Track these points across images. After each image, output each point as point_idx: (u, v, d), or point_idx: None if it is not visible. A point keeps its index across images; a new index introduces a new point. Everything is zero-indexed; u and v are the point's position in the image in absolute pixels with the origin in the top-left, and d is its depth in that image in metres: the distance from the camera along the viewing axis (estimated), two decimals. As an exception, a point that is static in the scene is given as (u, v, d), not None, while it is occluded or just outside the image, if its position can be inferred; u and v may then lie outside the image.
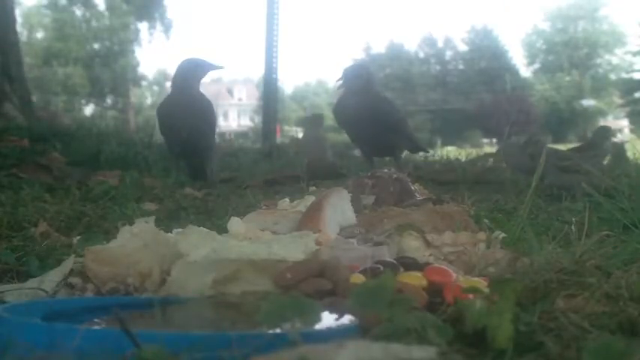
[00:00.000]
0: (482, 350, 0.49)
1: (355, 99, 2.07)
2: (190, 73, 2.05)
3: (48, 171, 2.18)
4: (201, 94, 2.09)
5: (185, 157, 2.13)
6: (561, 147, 2.63)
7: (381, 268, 0.68)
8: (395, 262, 0.72)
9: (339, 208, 1.00)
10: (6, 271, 0.87)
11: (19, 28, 5.97)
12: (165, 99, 2.21)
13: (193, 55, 2.10)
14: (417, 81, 31.39)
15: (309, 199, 1.10)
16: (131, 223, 0.78)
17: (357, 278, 0.65)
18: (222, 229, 0.88)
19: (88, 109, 25.30)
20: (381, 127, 2.06)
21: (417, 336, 0.48)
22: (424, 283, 0.64)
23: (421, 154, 2.80)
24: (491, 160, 2.92)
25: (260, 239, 0.81)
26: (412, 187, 1.33)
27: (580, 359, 0.46)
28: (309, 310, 0.48)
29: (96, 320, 0.56)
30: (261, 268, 0.67)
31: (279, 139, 5.18)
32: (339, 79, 2.13)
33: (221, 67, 2.19)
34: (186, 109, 2.02)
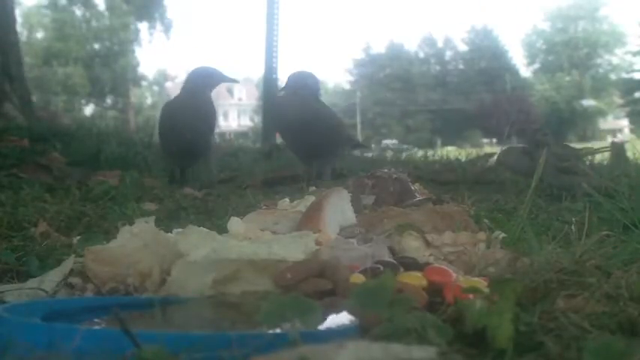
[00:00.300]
0: (483, 350, 0.49)
1: (294, 105, 2.10)
2: (201, 79, 2.08)
3: (48, 171, 2.18)
4: (208, 99, 2.12)
5: (180, 158, 2.14)
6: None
7: (381, 268, 0.68)
8: (395, 262, 0.72)
9: (339, 208, 1.00)
10: (6, 271, 0.87)
11: (19, 28, 5.97)
12: (170, 100, 2.26)
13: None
14: (417, 81, 31.42)
15: (309, 199, 1.10)
16: (131, 223, 0.78)
17: (357, 278, 0.65)
18: (222, 229, 0.88)
19: (88, 109, 25.33)
20: (321, 130, 2.09)
21: (417, 336, 0.48)
22: (424, 283, 0.64)
23: (420, 154, 2.81)
24: (491, 159, 2.91)
25: (260, 239, 0.81)
26: (412, 187, 1.33)
27: (580, 359, 0.46)
28: (309, 310, 0.48)
29: (96, 320, 0.56)
30: (261, 268, 0.67)
31: (279, 139, 5.17)
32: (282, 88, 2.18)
33: (235, 81, 2.22)
34: (189, 110, 2.04)
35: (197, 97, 2.06)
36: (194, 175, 2.18)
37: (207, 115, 2.10)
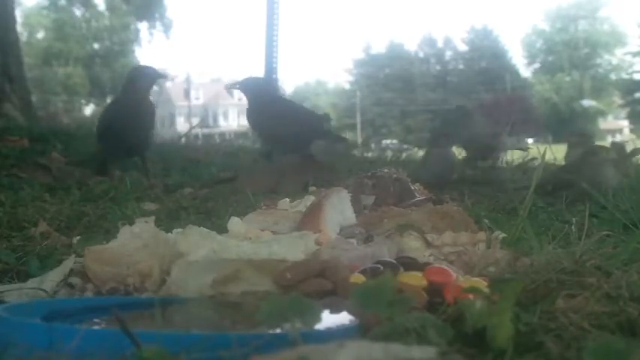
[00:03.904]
0: (483, 350, 0.49)
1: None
2: (142, 79, 2.17)
3: (48, 171, 2.18)
4: (148, 99, 2.22)
5: (115, 154, 2.23)
6: (561, 147, 2.62)
7: (381, 268, 0.68)
8: (395, 262, 0.72)
9: (339, 208, 1.00)
10: (6, 271, 0.87)
11: (19, 28, 5.97)
12: (115, 100, 2.43)
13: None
14: (417, 81, 31.42)
15: (309, 199, 1.10)
16: (131, 223, 0.78)
17: (357, 278, 0.65)
18: (222, 229, 0.88)
19: (88, 109, 25.31)
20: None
21: (417, 336, 0.48)
22: (424, 283, 0.64)
23: (420, 154, 2.80)
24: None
25: (260, 239, 0.81)
26: (412, 187, 1.33)
27: (580, 359, 0.46)
28: (309, 310, 0.48)
29: (96, 320, 0.56)
30: (261, 268, 0.67)
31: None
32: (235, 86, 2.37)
33: (163, 77, 2.34)
34: (133, 112, 2.14)
35: (139, 97, 2.15)
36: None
37: (147, 115, 2.20)
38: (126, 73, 2.33)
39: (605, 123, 32.41)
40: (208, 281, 0.65)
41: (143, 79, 2.16)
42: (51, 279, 0.74)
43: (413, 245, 0.84)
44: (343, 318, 0.54)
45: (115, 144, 2.14)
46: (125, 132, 2.10)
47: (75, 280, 0.73)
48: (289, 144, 2.25)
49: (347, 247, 0.79)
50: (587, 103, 30.86)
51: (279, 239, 0.77)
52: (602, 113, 31.82)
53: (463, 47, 33.03)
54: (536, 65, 33.44)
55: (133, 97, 2.14)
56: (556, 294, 0.60)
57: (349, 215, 1.02)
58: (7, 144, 2.72)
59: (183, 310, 0.62)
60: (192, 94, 33.94)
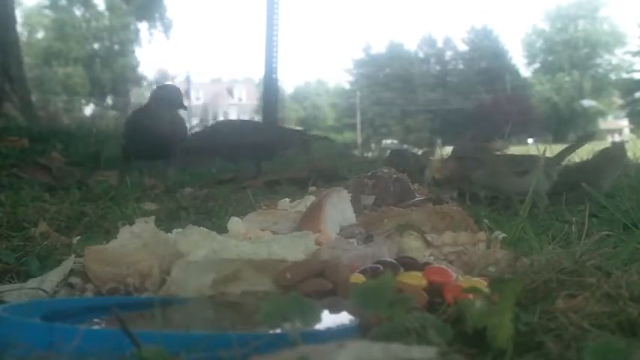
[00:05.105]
0: (483, 350, 0.49)
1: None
2: (167, 98, 2.31)
3: (48, 171, 2.18)
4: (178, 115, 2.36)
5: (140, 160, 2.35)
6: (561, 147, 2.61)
7: (381, 268, 0.68)
8: (395, 262, 0.72)
9: (339, 208, 1.00)
10: (6, 271, 0.87)
11: (19, 28, 5.98)
12: (142, 108, 2.46)
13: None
14: (417, 81, 31.43)
15: (309, 199, 1.10)
16: (131, 223, 0.78)
17: (357, 278, 0.65)
18: (222, 229, 0.88)
19: (88, 109, 25.33)
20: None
21: (417, 336, 0.48)
22: (424, 283, 0.64)
23: (421, 152, 2.83)
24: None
25: (260, 239, 0.81)
26: (412, 187, 1.33)
27: (580, 359, 0.46)
28: (309, 310, 0.48)
29: (96, 320, 0.56)
30: (261, 268, 0.67)
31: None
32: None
33: (184, 108, 2.44)
34: (164, 121, 2.27)
35: (170, 111, 2.29)
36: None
37: (177, 128, 2.34)
38: (155, 88, 2.46)
39: (605, 123, 32.40)
40: (208, 281, 0.65)
41: (169, 97, 2.30)
42: (51, 279, 0.74)
43: (413, 245, 0.84)
44: (343, 318, 0.54)
45: (145, 146, 2.25)
46: (157, 138, 2.22)
47: (75, 280, 0.73)
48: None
49: (347, 247, 0.79)
50: (587, 103, 30.86)
51: (279, 239, 0.77)
52: (602, 113, 31.83)
53: (463, 47, 33.05)
54: (536, 65, 33.46)
55: (165, 109, 2.26)
56: (556, 294, 0.60)
57: (349, 215, 1.02)
58: (7, 144, 2.72)
59: (183, 310, 0.62)
60: (192, 94, 33.95)
